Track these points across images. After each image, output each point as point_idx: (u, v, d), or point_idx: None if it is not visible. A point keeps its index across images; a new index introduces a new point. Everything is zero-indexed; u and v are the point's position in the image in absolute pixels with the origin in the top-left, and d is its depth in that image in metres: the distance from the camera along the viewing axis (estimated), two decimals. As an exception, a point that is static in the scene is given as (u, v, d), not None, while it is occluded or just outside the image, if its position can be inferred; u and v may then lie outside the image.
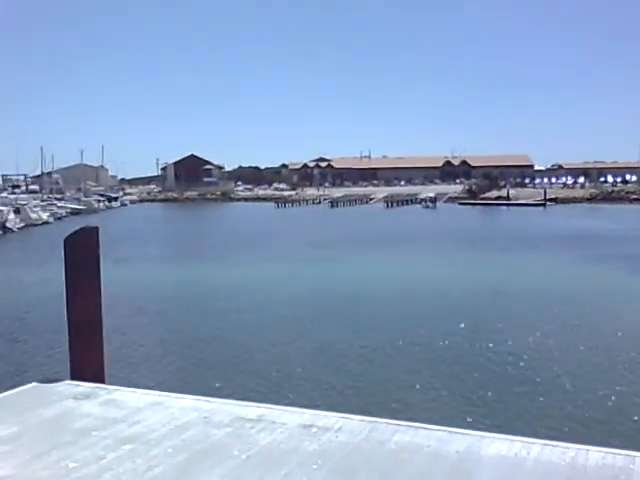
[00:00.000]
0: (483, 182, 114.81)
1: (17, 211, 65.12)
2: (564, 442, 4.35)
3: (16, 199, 74.79)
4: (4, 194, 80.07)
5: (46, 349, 15.40)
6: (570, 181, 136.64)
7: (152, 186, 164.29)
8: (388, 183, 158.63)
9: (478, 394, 12.01)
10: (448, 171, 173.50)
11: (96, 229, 6.39)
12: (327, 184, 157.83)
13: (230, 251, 39.02)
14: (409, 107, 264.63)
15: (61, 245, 6.38)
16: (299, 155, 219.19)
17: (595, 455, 4.09)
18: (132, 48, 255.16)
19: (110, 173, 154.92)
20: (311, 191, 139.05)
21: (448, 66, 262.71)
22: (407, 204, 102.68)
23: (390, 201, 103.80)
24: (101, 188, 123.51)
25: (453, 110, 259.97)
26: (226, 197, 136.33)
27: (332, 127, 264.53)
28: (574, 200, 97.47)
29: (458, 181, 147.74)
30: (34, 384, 5.72)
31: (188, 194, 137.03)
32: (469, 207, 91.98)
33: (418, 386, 12.42)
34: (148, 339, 16.96)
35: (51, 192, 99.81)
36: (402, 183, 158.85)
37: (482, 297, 22.31)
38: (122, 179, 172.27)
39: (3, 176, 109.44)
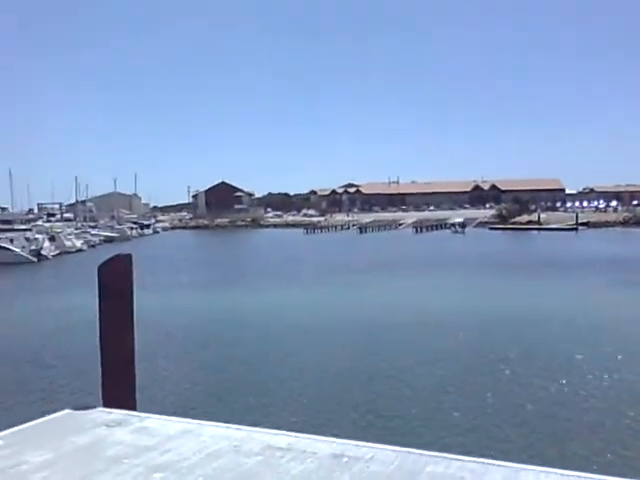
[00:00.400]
0: (513, 206, 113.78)
1: (52, 239, 66.49)
2: (600, 474, 4.24)
3: (51, 227, 76.54)
4: (40, 222, 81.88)
5: (78, 376, 15.57)
6: (602, 205, 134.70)
7: (183, 213, 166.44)
8: (417, 208, 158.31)
9: (512, 424, 11.77)
10: (477, 196, 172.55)
11: (129, 256, 6.47)
12: (356, 210, 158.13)
13: (259, 277, 39.18)
14: (437, 132, 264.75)
15: (94, 272, 6.48)
16: (328, 181, 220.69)
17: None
18: (163, 76, 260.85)
19: (143, 201, 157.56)
20: (340, 217, 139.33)
21: (477, 92, 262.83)
22: (436, 229, 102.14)
23: (419, 226, 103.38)
24: (134, 216, 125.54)
25: (482, 135, 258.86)
26: (256, 224, 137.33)
27: (361, 153, 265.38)
28: (606, 224, 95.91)
29: (488, 206, 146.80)
30: (67, 411, 5.78)
31: (219, 221, 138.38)
32: (499, 232, 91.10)
33: (451, 416, 12.22)
34: (177, 366, 17.04)
35: (85, 220, 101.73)
36: (431, 208, 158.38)
37: (512, 323, 21.95)
38: (154, 207, 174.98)
39: (39, 205, 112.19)
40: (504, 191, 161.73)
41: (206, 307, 28.09)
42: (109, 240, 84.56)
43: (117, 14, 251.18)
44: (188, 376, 16.03)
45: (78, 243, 72.37)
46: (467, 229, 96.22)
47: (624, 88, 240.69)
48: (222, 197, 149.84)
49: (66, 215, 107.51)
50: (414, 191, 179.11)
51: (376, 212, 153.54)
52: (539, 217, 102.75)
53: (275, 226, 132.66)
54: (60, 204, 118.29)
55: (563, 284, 32.61)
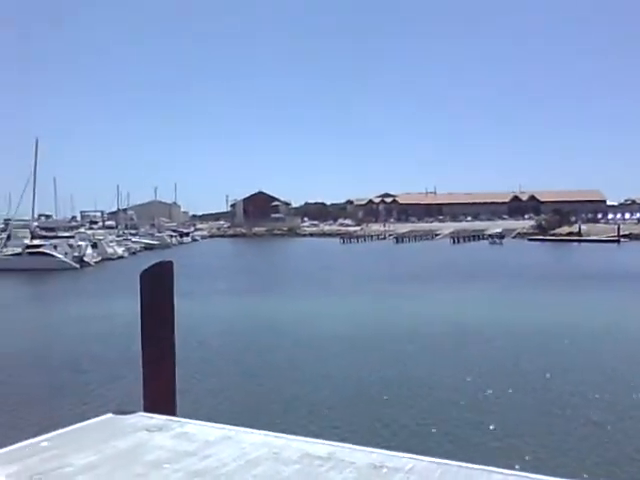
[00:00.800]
0: (553, 218, 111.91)
1: (94, 246, 67.88)
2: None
3: (93, 234, 78.14)
4: (82, 229, 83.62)
5: (119, 380, 15.82)
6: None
7: (221, 222, 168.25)
8: (454, 219, 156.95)
9: (554, 438, 11.52)
10: (516, 207, 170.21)
11: (171, 263, 6.55)
12: (392, 220, 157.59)
13: (296, 286, 39.29)
14: (475, 142, 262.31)
15: (134, 279, 6.59)
16: (364, 191, 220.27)
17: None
18: (204, 86, 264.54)
19: (182, 209, 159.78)
20: (376, 227, 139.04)
21: (516, 103, 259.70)
22: (474, 240, 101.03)
23: (456, 237, 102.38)
24: (173, 224, 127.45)
25: (521, 145, 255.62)
26: (293, 233, 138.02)
27: (397, 163, 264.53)
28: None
29: (527, 217, 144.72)
30: (109, 415, 5.86)
31: (256, 230, 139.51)
32: (538, 243, 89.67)
33: (491, 428, 12.02)
34: (215, 371, 17.17)
35: (126, 228, 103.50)
36: (468, 219, 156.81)
37: (549, 336, 21.46)
38: (193, 215, 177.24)
39: (82, 212, 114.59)
40: (543, 202, 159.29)
41: (243, 314, 28.26)
42: (149, 247, 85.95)
43: (156, 17, 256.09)
44: (226, 382, 16.13)
45: (119, 250, 73.71)
46: (505, 240, 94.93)
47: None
48: (260, 206, 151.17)
49: (108, 223, 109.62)
50: (451, 201, 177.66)
51: (412, 222, 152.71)
52: (579, 229, 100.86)
53: (311, 235, 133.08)
54: (102, 212, 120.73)
55: (604, 297, 31.85)
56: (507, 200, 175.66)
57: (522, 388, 14.83)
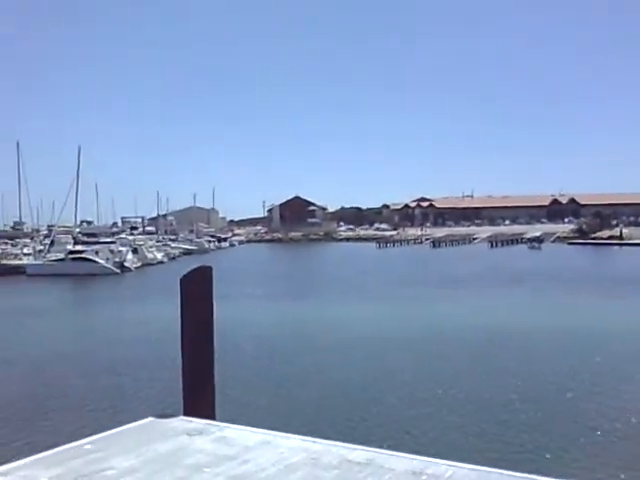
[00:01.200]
0: (594, 221, 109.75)
1: (135, 251, 69.14)
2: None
3: (134, 240, 79.45)
4: (123, 235, 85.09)
5: (159, 384, 16.05)
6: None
7: (258, 227, 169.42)
8: (492, 222, 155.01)
9: (599, 447, 11.27)
10: (555, 210, 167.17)
11: (210, 269, 6.62)
12: (428, 224, 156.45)
13: (332, 290, 39.30)
14: (513, 144, 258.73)
15: (174, 283, 6.68)
16: (400, 195, 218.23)
17: None
18: (240, 93, 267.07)
19: (220, 215, 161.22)
20: (412, 231, 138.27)
21: (555, 103, 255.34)
22: (512, 244, 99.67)
23: (494, 241, 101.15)
24: (212, 229, 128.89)
25: (560, 146, 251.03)
26: (329, 237, 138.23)
27: (433, 167, 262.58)
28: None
29: (566, 220, 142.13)
30: (150, 419, 5.95)
31: (292, 235, 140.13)
32: (579, 247, 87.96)
33: (531, 436, 11.82)
34: (251, 375, 17.26)
35: (166, 233, 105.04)
36: (507, 222, 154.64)
37: (587, 342, 21.03)
38: (231, 220, 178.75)
39: (123, 218, 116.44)
40: (583, 205, 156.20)
41: (280, 319, 28.36)
42: (188, 253, 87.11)
43: (199, 20, 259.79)
44: (263, 386, 16.20)
45: (159, 255, 74.89)
46: (544, 244, 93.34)
47: None
48: (296, 211, 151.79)
49: (148, 228, 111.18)
50: (489, 205, 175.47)
51: (449, 227, 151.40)
52: (621, 232, 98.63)
53: (348, 240, 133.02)
54: (142, 218, 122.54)
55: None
56: (546, 203, 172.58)
57: (556, 396, 14.53)
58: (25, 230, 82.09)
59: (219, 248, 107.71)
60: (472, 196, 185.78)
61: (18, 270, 58.93)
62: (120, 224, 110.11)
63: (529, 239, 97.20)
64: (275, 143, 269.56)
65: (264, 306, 32.52)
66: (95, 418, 13.24)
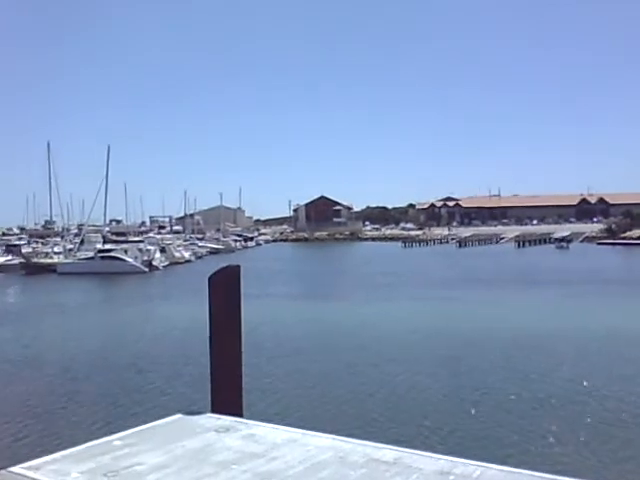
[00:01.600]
0: (624, 220, 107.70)
1: (163, 250, 69.88)
2: None
3: (162, 239, 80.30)
4: (151, 234, 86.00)
5: (187, 381, 16.20)
6: None
7: (284, 226, 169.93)
8: (519, 222, 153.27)
9: (632, 451, 11.08)
10: (584, 209, 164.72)
11: (238, 267, 6.66)
12: (455, 223, 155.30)
13: (358, 290, 39.24)
14: (540, 144, 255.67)
15: (201, 282, 6.73)
16: (426, 195, 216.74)
17: None
18: (263, 95, 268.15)
19: (246, 214, 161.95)
20: (438, 231, 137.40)
21: (585, 102, 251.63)
22: (540, 244, 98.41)
23: (521, 241, 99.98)
24: (238, 229, 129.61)
25: (589, 145, 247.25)
26: (354, 237, 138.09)
27: (460, 166, 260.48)
28: None
29: (595, 220, 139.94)
30: (179, 416, 6.00)
31: (318, 234, 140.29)
32: (608, 247, 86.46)
33: (560, 437, 11.66)
34: (279, 374, 17.31)
35: (193, 232, 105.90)
36: (534, 222, 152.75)
37: (615, 344, 20.67)
38: (257, 220, 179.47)
39: (151, 218, 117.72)
40: (613, 204, 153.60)
41: (306, 317, 28.39)
42: (214, 252, 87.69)
43: (230, 23, 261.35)
44: (290, 384, 16.25)
45: (186, 254, 75.53)
46: (573, 244, 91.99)
47: None
48: (322, 211, 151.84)
49: (175, 228, 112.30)
50: (516, 204, 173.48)
51: (476, 226, 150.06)
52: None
53: (373, 239, 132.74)
54: (170, 217, 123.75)
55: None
56: (575, 202, 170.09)
57: (582, 399, 14.31)
58: (55, 229, 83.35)
59: (245, 247, 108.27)
60: (499, 195, 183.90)
61: (49, 268, 60.00)
62: (148, 223, 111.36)
63: (557, 239, 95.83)
64: (301, 143, 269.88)
65: (291, 304, 32.62)
66: (124, 414, 13.41)
